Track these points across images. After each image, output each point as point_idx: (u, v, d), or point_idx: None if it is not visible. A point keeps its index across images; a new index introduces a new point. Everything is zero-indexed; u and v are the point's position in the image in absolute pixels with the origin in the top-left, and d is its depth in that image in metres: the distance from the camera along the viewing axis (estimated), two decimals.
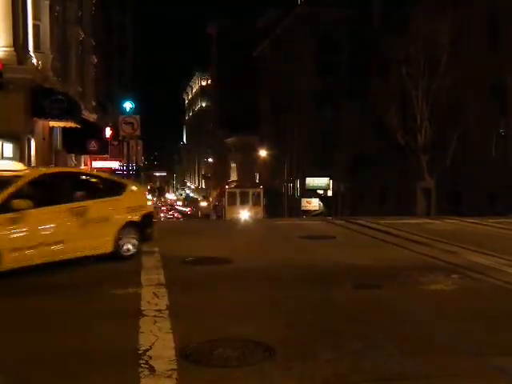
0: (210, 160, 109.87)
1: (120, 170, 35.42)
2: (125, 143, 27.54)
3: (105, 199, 9.94)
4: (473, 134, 32.07)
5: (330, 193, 56.56)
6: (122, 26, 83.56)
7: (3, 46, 19.73)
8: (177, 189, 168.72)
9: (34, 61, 20.99)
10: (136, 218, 10.19)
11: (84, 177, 11.14)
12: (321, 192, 57.07)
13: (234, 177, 79.89)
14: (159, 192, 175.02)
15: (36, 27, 22.28)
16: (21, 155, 19.93)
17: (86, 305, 6.89)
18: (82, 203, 9.49)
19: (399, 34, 31.32)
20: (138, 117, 25.52)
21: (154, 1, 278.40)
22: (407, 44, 30.83)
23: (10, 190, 8.69)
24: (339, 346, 5.28)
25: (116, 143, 33.88)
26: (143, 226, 10.34)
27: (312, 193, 56.17)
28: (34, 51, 21.54)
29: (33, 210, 8.71)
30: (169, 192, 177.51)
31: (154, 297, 7.14)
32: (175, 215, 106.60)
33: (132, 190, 10.65)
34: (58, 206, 9.16)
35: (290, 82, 60.21)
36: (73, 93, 27.52)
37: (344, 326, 5.94)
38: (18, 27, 20.04)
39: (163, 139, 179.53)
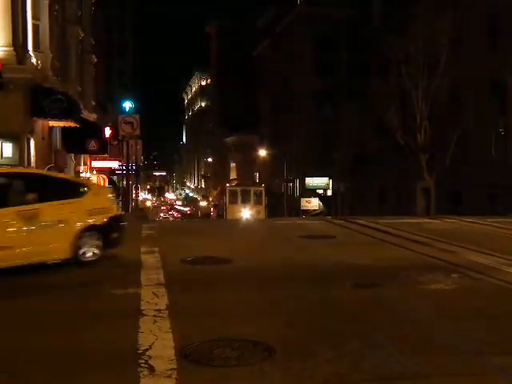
0: (210, 160, 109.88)
1: (119, 170, 35.48)
2: (124, 143, 27.54)
3: (62, 201, 9.36)
4: (472, 134, 32.06)
5: (329, 192, 56.59)
6: (122, 26, 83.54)
7: (3, 46, 19.71)
8: (176, 188, 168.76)
9: (34, 60, 20.98)
10: (99, 221, 9.62)
11: (39, 178, 10.30)
12: (320, 192, 57.09)
13: (233, 176, 79.84)
14: (159, 192, 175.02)
15: (35, 27, 22.26)
16: (20, 155, 19.93)
17: (86, 305, 6.88)
18: (33, 206, 8.92)
19: (399, 34, 31.32)
20: (137, 116, 25.52)
21: (154, 1, 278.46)
22: (407, 44, 30.82)
23: None
24: (339, 346, 5.27)
25: (116, 143, 33.90)
26: (108, 231, 9.73)
27: (312, 192, 56.18)
28: (34, 51, 21.52)
29: None
30: (168, 192, 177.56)
31: (153, 296, 7.13)
32: (175, 215, 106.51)
33: (95, 192, 10.16)
34: (6, 208, 8.66)
35: (290, 82, 60.23)
36: (72, 92, 27.50)
37: (344, 326, 5.94)
38: (18, 27, 20.02)
39: (163, 139, 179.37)
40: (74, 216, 9.38)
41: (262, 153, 65.40)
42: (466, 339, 5.49)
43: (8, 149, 19.79)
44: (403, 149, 32.76)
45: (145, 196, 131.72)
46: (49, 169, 21.80)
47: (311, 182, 56.75)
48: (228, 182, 46.67)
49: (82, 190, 9.93)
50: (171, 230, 16.34)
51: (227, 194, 38.61)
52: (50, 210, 9.11)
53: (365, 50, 45.62)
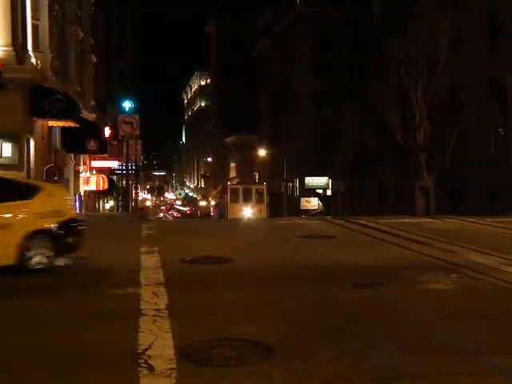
0: (209, 159, 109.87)
1: (119, 170, 35.49)
2: (124, 143, 27.55)
3: (6, 204, 8.65)
4: (472, 134, 32.06)
5: (329, 192, 56.58)
6: (122, 26, 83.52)
7: (2, 46, 19.71)
8: (176, 188, 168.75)
9: (33, 60, 20.97)
10: (51, 225, 8.85)
11: None
12: (320, 191, 57.08)
13: (233, 176, 79.82)
14: (158, 191, 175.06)
15: (35, 27, 22.26)
16: (20, 155, 19.93)
17: (85, 304, 6.88)
18: None
19: (399, 34, 31.31)
20: (137, 116, 25.53)
21: (154, 1, 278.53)
22: (407, 43, 30.81)
23: None
24: (339, 346, 5.27)
25: (115, 143, 33.92)
26: (62, 235, 8.95)
27: (311, 192, 56.17)
28: (33, 51, 21.51)
29: None
30: (168, 191, 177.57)
31: (153, 296, 7.13)
32: (174, 214, 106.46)
33: (48, 193, 9.30)
34: None
35: (290, 82, 60.23)
36: (72, 92, 27.49)
37: (344, 326, 5.93)
38: (17, 27, 20.02)
39: (162, 139, 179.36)
40: (20, 219, 8.71)
41: (262, 153, 65.39)
42: (465, 339, 5.48)
43: (7, 149, 19.79)
44: (403, 148, 32.75)
45: (144, 196, 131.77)
46: (48, 168, 21.81)
47: (311, 181, 56.73)
48: (229, 180, 46.05)
49: (31, 191, 9.17)
50: (171, 229, 16.34)
51: (228, 193, 38.02)
52: None
53: (365, 50, 45.61)
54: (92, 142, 28.82)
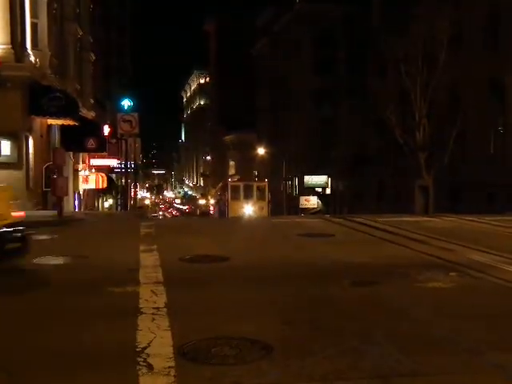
0: (209, 158, 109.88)
1: (118, 168, 35.49)
2: (123, 141, 27.56)
3: None
4: (471, 133, 32.09)
5: (328, 191, 56.59)
6: (121, 25, 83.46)
7: (1, 44, 19.71)
8: (175, 187, 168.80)
9: (32, 58, 20.97)
10: None
11: None
12: (319, 190, 57.08)
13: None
14: (157, 190, 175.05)
15: (34, 25, 22.28)
16: (18, 153, 19.95)
17: (84, 303, 6.88)
18: None
19: (398, 33, 31.30)
20: (136, 115, 25.56)
21: (154, 1, 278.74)
22: (406, 42, 30.79)
23: None
24: (338, 344, 5.27)
25: (114, 141, 33.92)
26: (1, 240, 8.15)
27: (310, 191, 56.18)
28: (32, 49, 21.52)
29: None
30: (167, 190, 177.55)
31: (152, 295, 7.13)
32: (173, 213, 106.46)
33: None
34: None
35: (289, 80, 60.22)
36: (71, 90, 27.49)
37: (342, 324, 5.94)
38: (16, 25, 20.04)
39: (162, 137, 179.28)
40: None
41: (261, 151, 65.39)
42: (464, 337, 5.49)
43: (6, 147, 19.82)
44: (402, 147, 32.77)
45: (143, 194, 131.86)
46: (47, 167, 21.80)
47: (310, 180, 56.73)
48: (230, 178, 45.42)
49: None
50: (170, 228, 16.35)
51: (229, 190, 37.32)
52: None
53: (364, 49, 45.60)
54: (91, 140, 28.82)
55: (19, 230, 8.64)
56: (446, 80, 30.37)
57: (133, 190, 30.51)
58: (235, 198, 36.49)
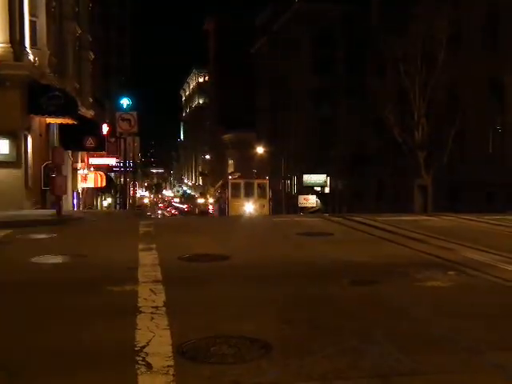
0: (207, 157, 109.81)
1: (117, 167, 35.47)
2: (122, 140, 27.52)
3: None
4: (470, 132, 32.11)
5: (327, 190, 56.59)
6: (121, 24, 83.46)
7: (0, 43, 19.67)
8: (174, 186, 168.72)
9: (31, 57, 20.94)
10: None
11: None
12: (318, 189, 57.09)
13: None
14: (156, 189, 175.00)
15: (32, 23, 22.25)
16: (17, 152, 19.93)
17: (83, 302, 6.87)
18: None
19: (397, 32, 31.30)
20: (135, 113, 25.50)
21: (154, 0, 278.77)
22: (405, 41, 30.80)
23: None
24: (337, 343, 5.27)
25: (113, 140, 33.90)
26: None
27: (309, 190, 56.18)
28: (31, 47, 21.50)
29: None
30: (166, 189, 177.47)
31: (151, 293, 7.12)
32: (172, 212, 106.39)
33: None
34: None
35: (288, 79, 60.21)
36: (70, 89, 27.48)
37: (342, 323, 5.93)
38: (15, 23, 20.01)
39: (160, 136, 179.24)
40: None
41: (260, 150, 65.37)
42: (463, 336, 5.49)
43: (5, 146, 19.79)
44: (401, 146, 32.78)
45: (142, 193, 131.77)
46: (46, 166, 21.78)
47: (309, 179, 56.73)
48: (230, 175, 44.47)
49: None
50: (168, 227, 16.33)
51: (229, 188, 36.70)
52: None
53: (362, 48, 45.63)
54: (90, 139, 28.80)
55: None
56: (445, 79, 30.38)
57: (132, 188, 30.47)
58: (236, 195, 35.80)
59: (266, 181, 38.14)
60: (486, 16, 31.62)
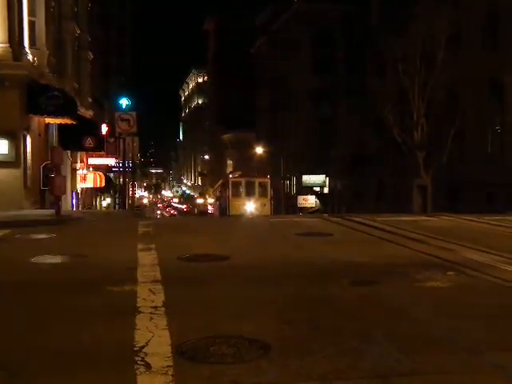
0: (207, 157, 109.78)
1: (116, 167, 35.45)
2: (121, 140, 27.51)
3: None
4: (469, 132, 32.12)
5: (326, 190, 56.60)
6: (121, 24, 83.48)
7: None
8: (173, 186, 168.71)
9: (30, 57, 20.93)
10: None
11: None
12: (317, 189, 57.10)
13: None
14: (155, 189, 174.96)
15: (31, 23, 22.24)
16: (16, 152, 19.90)
17: (82, 302, 6.85)
18: None
19: (397, 32, 31.32)
20: (134, 113, 25.48)
21: (153, 0, 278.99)
22: (405, 41, 30.81)
23: None
24: (337, 343, 5.26)
25: (112, 140, 33.88)
26: None
27: (308, 190, 56.19)
28: (30, 47, 21.48)
29: None
30: (165, 189, 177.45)
31: (150, 294, 7.10)
32: (171, 212, 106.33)
33: None
34: None
35: (288, 79, 60.21)
36: (69, 89, 27.47)
37: (342, 323, 5.92)
38: (14, 23, 19.99)
39: (160, 136, 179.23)
40: None
41: (259, 150, 65.36)
42: (463, 337, 5.48)
43: (4, 146, 19.78)
44: (400, 146, 32.79)
45: (141, 193, 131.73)
46: (45, 166, 21.76)
47: (308, 179, 56.74)
48: (230, 174, 43.46)
49: None
50: (168, 227, 16.32)
51: (230, 186, 35.84)
52: None
53: (362, 48, 45.65)
54: (89, 139, 28.79)
55: None
56: (445, 79, 30.40)
57: (131, 189, 30.45)
58: (236, 194, 35.12)
59: (268, 179, 37.15)
60: (485, 16, 31.64)
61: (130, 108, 29.32)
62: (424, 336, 5.53)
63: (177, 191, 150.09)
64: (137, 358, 4.88)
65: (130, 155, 26.68)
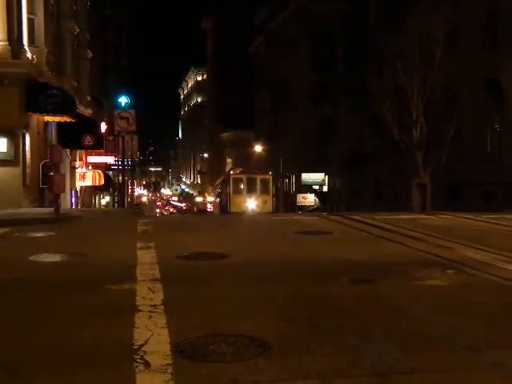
0: (206, 155, 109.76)
1: (115, 165, 35.44)
2: (120, 138, 27.48)
3: None
4: (468, 131, 32.13)
5: (325, 188, 56.62)
6: (120, 22, 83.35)
7: None
8: (172, 184, 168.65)
9: (29, 55, 20.90)
10: None
11: None
12: (316, 188, 57.12)
13: None
14: (154, 187, 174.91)
15: (31, 21, 22.21)
16: (15, 150, 19.89)
17: (81, 300, 6.85)
18: None
19: (396, 30, 31.32)
20: (133, 111, 25.46)
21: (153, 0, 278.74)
22: (404, 40, 30.81)
23: None
24: (336, 341, 5.26)
25: (111, 138, 33.85)
26: None
27: (308, 188, 56.20)
28: (29, 45, 21.45)
29: None
30: (164, 187, 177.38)
31: (149, 292, 7.10)
32: (171, 210, 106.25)
33: None
34: None
35: (287, 79, 60.19)
36: (68, 87, 27.44)
37: (341, 321, 5.92)
38: (13, 21, 19.96)
39: (159, 134, 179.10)
40: None
41: (258, 149, 65.34)
42: (462, 335, 5.48)
43: (3, 144, 19.76)
44: (399, 145, 32.81)
45: (140, 191, 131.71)
46: (44, 164, 21.74)
47: (307, 177, 56.76)
48: (231, 170, 42.40)
49: None
50: (167, 225, 16.31)
51: (231, 183, 35.02)
52: None
53: (361, 47, 45.63)
54: (88, 137, 28.78)
55: None
56: (443, 78, 30.41)
57: (130, 187, 30.42)
58: (237, 191, 34.40)
59: (270, 176, 36.22)
60: (484, 15, 31.64)
61: (129, 106, 29.32)
62: (423, 334, 5.53)
63: (176, 189, 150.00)
64: (136, 357, 4.88)
65: (129, 153, 26.66)
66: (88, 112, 34.93)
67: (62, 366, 4.77)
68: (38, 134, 23.14)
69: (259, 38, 73.35)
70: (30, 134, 21.27)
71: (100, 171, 36.55)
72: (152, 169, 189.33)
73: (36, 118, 22.49)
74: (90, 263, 9.28)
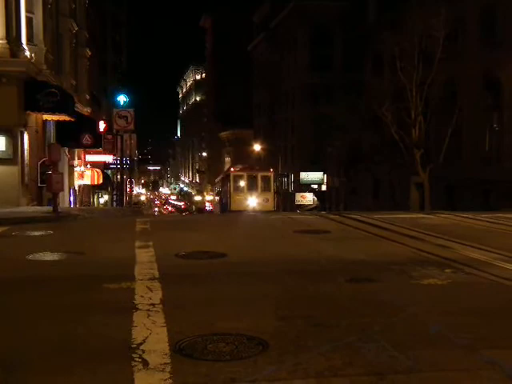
0: (204, 154, 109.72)
1: (114, 164, 35.42)
2: (119, 137, 27.49)
3: None
4: (467, 130, 32.16)
5: (324, 187, 56.63)
6: (119, 20, 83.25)
7: None
8: (171, 183, 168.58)
9: (27, 53, 20.87)
10: None
11: None
12: (315, 187, 57.13)
13: None
14: (153, 186, 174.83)
15: (29, 20, 22.18)
16: (14, 149, 19.87)
17: (80, 299, 6.86)
18: None
19: (394, 29, 31.33)
20: (131, 110, 25.48)
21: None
22: (402, 39, 30.81)
23: None
24: (333, 340, 5.27)
25: (110, 137, 33.84)
26: None
27: (306, 187, 56.23)
28: (27, 44, 21.43)
29: None
30: (163, 186, 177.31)
31: (147, 291, 7.11)
32: (169, 209, 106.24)
33: None
34: None
35: (285, 76, 60.17)
36: (66, 86, 27.41)
37: (338, 320, 5.94)
38: (11, 20, 19.93)
39: (157, 133, 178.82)
40: None
41: (257, 147, 65.35)
42: (459, 334, 5.49)
43: (1, 142, 19.75)
44: (398, 144, 32.83)
45: (139, 190, 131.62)
46: (42, 163, 21.72)
47: (306, 176, 56.79)
48: (232, 167, 41.66)
49: None
50: (165, 224, 16.32)
51: (232, 180, 34.22)
52: None
53: (360, 45, 45.63)
54: (87, 136, 28.76)
55: None
56: (442, 77, 30.44)
57: (128, 186, 30.41)
58: (238, 189, 33.70)
59: (271, 173, 35.43)
60: (483, 14, 31.66)
61: (127, 105, 29.33)
62: (420, 333, 5.55)
63: (174, 188, 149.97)
64: (134, 355, 4.89)
65: (128, 152, 26.69)
66: (87, 111, 34.90)
67: (60, 364, 4.78)
68: (37, 132, 23.12)
69: (258, 36, 73.32)
70: (28, 133, 21.25)
71: (98, 170, 36.55)
72: (151, 168, 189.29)
73: (34, 117, 22.47)
74: (88, 262, 9.28)
